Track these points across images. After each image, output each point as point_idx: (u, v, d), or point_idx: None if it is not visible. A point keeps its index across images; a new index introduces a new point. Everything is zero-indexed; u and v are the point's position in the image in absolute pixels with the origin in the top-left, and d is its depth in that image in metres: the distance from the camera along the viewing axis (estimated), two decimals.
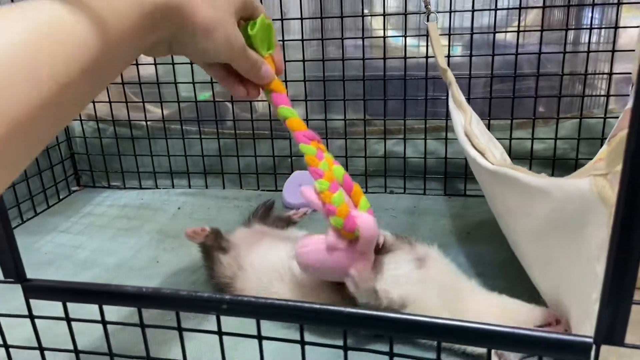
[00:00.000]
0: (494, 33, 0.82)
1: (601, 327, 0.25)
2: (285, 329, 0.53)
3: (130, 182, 1.01)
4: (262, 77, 0.49)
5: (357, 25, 0.91)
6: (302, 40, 0.87)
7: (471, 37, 0.81)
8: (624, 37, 0.81)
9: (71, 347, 0.39)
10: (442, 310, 0.49)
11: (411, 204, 0.87)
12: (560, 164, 0.86)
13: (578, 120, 0.83)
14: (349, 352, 0.34)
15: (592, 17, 0.83)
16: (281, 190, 0.90)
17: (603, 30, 0.83)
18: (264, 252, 0.59)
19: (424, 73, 0.84)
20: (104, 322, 0.37)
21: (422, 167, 0.91)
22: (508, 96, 0.83)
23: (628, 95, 0.69)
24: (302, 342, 0.34)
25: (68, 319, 0.37)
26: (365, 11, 0.88)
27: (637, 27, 0.72)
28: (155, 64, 0.92)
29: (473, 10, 0.80)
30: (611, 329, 0.25)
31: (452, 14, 0.85)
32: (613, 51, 0.78)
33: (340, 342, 0.34)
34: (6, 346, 0.40)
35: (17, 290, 0.36)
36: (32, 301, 0.37)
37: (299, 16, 0.86)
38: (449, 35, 0.86)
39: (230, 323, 0.35)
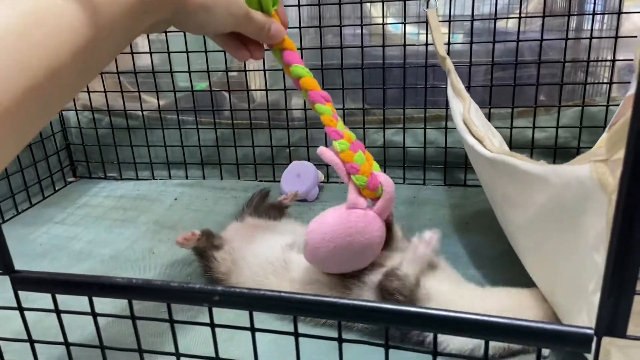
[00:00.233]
0: (495, 20, 0.81)
1: (602, 319, 0.24)
2: (280, 320, 0.52)
3: (127, 172, 1.00)
4: (272, 37, 0.47)
5: (355, 13, 0.90)
6: (300, 27, 0.85)
7: (472, 24, 0.80)
8: (626, 24, 0.80)
9: (62, 339, 0.38)
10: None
11: (411, 194, 0.86)
12: (561, 153, 0.85)
13: (580, 108, 0.82)
14: (344, 344, 0.33)
15: (594, 3, 0.81)
16: (279, 181, 0.89)
17: (606, 16, 0.82)
18: (257, 245, 0.58)
19: (424, 61, 0.83)
20: (94, 314, 0.36)
21: (421, 157, 0.90)
22: (509, 84, 0.82)
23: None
24: (296, 334, 0.33)
25: (57, 311, 0.37)
26: None
27: None
28: (150, 53, 0.91)
29: None
30: (613, 320, 0.24)
31: (453, 1, 0.83)
32: (616, 37, 0.77)
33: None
34: None
35: (6, 282, 0.36)
36: (25, 294, 0.36)
37: (297, 3, 0.84)
38: (449, 22, 0.85)
39: (225, 315, 0.35)
